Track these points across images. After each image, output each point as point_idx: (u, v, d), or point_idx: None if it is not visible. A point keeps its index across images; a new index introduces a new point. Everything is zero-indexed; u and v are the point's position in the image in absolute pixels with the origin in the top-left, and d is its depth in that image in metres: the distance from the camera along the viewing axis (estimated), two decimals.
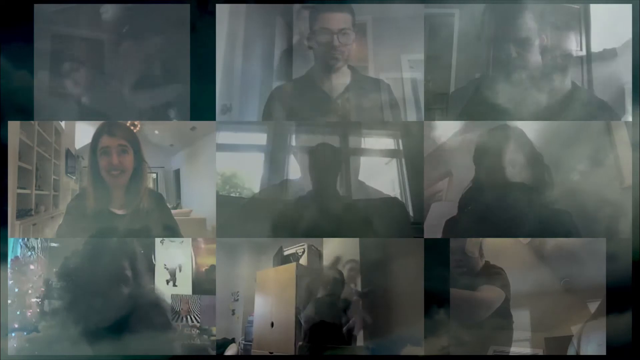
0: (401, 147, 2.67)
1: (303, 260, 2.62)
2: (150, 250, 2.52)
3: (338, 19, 2.51)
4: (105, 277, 2.41)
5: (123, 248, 2.44)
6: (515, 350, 2.42)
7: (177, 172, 3.11)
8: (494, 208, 2.33)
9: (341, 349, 2.43)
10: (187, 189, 3.03)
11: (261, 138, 2.64)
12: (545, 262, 2.42)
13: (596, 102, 2.44)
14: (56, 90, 2.49)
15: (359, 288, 2.53)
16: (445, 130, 2.55)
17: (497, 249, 2.45)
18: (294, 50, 2.65)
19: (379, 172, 2.71)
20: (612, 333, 2.33)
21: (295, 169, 2.60)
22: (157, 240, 2.53)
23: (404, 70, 2.58)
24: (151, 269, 2.52)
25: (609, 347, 2.33)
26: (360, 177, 2.64)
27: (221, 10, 2.49)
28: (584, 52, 2.50)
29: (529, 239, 2.42)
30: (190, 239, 2.55)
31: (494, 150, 2.35)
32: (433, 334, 2.39)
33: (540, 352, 2.39)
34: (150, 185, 2.62)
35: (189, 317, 2.53)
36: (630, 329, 2.34)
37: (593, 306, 2.35)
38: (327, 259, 2.59)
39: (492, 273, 2.42)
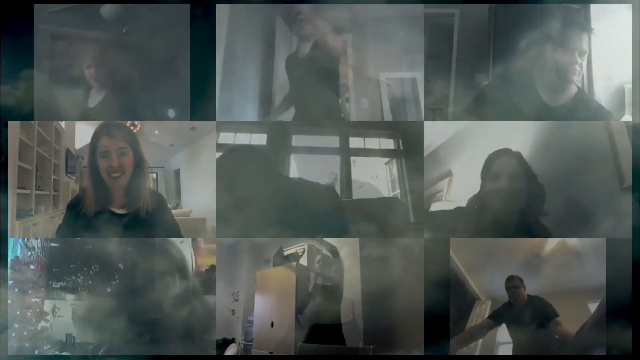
0: (401, 147, 2.67)
1: (303, 261, 2.63)
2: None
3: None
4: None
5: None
6: None
7: (177, 172, 3.11)
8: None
9: (340, 350, 2.44)
10: (187, 189, 3.03)
11: (261, 138, 2.64)
12: (545, 262, 2.42)
13: (596, 102, 2.44)
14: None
15: (359, 288, 2.53)
16: (445, 130, 2.55)
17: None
18: (294, 51, 2.65)
19: (379, 172, 2.71)
20: (612, 333, 2.33)
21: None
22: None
23: (403, 71, 2.59)
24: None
25: (608, 347, 2.33)
26: (361, 177, 2.64)
27: (221, 10, 2.49)
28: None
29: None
30: (190, 239, 2.55)
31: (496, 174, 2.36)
32: (433, 333, 2.39)
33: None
34: (150, 185, 2.62)
35: None
36: (630, 328, 2.34)
37: (593, 306, 2.35)
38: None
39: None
